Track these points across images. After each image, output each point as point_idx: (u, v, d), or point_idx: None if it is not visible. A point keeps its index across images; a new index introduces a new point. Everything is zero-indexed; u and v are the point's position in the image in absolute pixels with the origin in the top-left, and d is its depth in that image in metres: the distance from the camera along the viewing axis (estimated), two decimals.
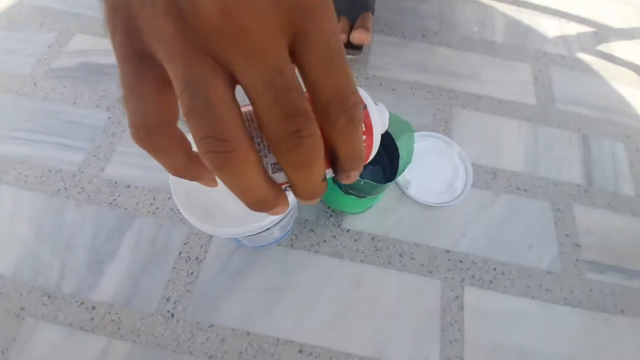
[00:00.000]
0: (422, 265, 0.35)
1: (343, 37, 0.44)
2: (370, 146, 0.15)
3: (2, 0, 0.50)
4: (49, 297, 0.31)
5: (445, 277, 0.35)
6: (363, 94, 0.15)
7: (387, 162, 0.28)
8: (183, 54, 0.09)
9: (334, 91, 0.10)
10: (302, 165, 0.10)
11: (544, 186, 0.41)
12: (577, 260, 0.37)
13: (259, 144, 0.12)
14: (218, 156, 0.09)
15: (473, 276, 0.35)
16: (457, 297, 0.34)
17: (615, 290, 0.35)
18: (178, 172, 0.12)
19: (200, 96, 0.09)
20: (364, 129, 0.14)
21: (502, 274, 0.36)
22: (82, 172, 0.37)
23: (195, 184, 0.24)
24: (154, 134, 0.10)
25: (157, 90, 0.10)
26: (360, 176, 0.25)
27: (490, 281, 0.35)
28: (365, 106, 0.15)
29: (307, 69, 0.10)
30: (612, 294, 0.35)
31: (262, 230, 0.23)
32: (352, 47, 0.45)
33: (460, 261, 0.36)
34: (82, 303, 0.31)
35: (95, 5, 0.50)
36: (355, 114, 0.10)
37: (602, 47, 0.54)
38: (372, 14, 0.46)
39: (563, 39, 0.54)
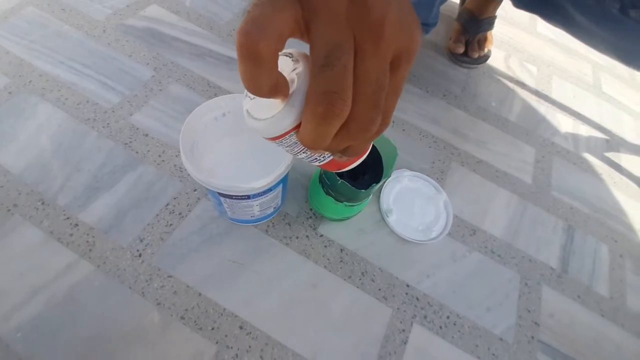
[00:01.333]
0: (379, 289, 0.36)
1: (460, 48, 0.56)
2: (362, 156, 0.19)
3: None
4: (42, 203, 0.34)
5: (398, 308, 0.36)
6: None
7: (373, 180, 0.30)
8: (339, 24, 0.11)
9: (365, 119, 0.13)
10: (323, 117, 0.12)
11: (519, 258, 0.42)
12: (532, 337, 0.37)
13: None
14: (331, 110, 0.12)
15: (425, 317, 0.36)
16: (403, 330, 0.35)
17: None
18: (253, 84, 0.12)
19: (342, 62, 0.12)
20: None
21: (454, 324, 0.36)
22: (113, 112, 0.42)
23: (203, 142, 0.27)
24: (263, 42, 0.11)
25: (280, 23, 0.11)
26: (340, 176, 0.27)
27: (441, 327, 0.36)
28: None
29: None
30: None
31: (240, 195, 0.26)
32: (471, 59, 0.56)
33: (417, 299, 0.37)
34: (68, 218, 0.34)
35: None
36: (370, 138, 0.14)
37: (610, 155, 0.57)
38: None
39: (573, 137, 0.57)
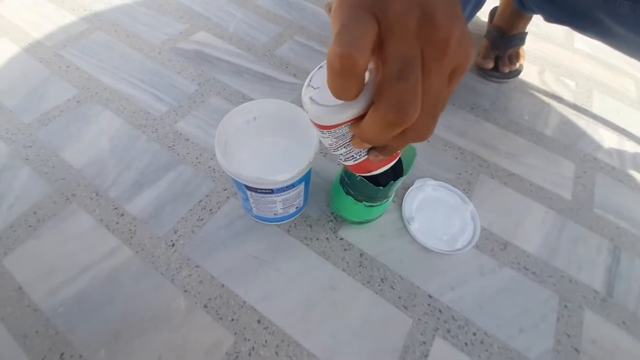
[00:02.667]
0: (399, 297, 0.35)
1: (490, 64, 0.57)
2: (394, 158, 0.20)
3: None
4: (96, 194, 0.39)
5: (419, 319, 0.34)
6: None
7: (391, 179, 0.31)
8: (411, 40, 0.13)
9: (423, 128, 0.15)
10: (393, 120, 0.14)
11: (557, 278, 0.39)
12: None
13: None
14: (402, 119, 0.13)
15: (448, 331, 0.34)
16: (424, 342, 0.33)
17: None
18: (344, 93, 0.14)
19: (415, 76, 0.13)
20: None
21: (482, 342, 0.34)
22: (161, 119, 0.47)
23: (236, 142, 0.30)
24: (360, 60, 0.12)
25: (370, 40, 0.13)
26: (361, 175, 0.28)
27: (466, 344, 0.33)
28: None
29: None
30: None
31: (264, 188, 0.28)
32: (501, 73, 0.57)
33: (440, 311, 0.35)
34: (116, 208, 0.38)
35: (223, 16, 0.66)
36: (421, 139, 0.16)
37: None
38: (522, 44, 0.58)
39: (618, 153, 0.53)
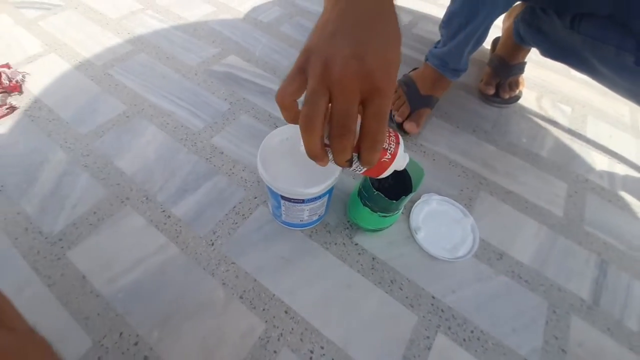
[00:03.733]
0: (406, 297, 0.40)
1: (399, 119, 0.57)
2: (389, 165, 0.26)
3: (194, 15, 0.77)
4: (147, 198, 0.45)
5: (423, 317, 0.39)
6: (402, 146, 0.26)
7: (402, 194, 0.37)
8: (317, 80, 0.21)
9: (371, 135, 0.22)
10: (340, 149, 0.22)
11: (547, 286, 0.43)
12: None
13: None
14: (342, 133, 0.21)
15: (449, 327, 0.39)
16: (428, 337, 0.38)
17: None
18: (289, 120, 0.25)
19: (314, 100, 0.21)
20: (389, 156, 0.25)
21: (478, 339, 0.39)
22: (199, 134, 0.54)
23: (272, 158, 0.36)
24: (286, 100, 0.23)
25: (299, 87, 0.23)
26: (377, 189, 0.34)
27: (464, 339, 0.38)
28: (399, 144, 0.26)
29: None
30: None
31: (297, 198, 0.34)
32: (403, 130, 0.56)
33: (442, 310, 0.40)
34: (164, 210, 0.44)
35: (250, 41, 0.73)
36: (369, 148, 0.23)
37: None
38: (431, 109, 0.59)
39: (609, 175, 0.58)
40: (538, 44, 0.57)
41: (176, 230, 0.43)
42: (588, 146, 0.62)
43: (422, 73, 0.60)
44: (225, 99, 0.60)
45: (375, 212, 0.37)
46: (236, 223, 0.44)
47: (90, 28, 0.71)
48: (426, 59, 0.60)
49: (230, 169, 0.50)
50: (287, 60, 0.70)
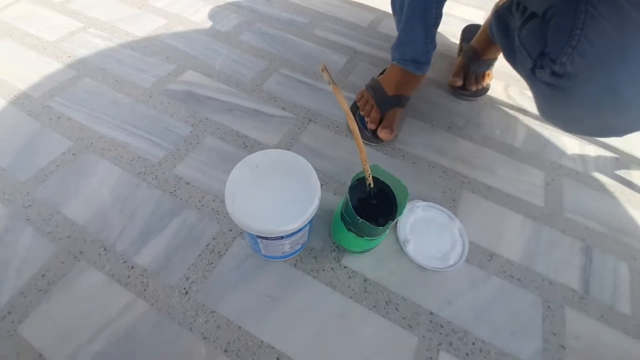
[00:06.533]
0: (404, 318, 0.38)
1: (372, 126, 0.54)
2: None
3: (143, 30, 0.70)
4: (104, 249, 0.40)
5: (423, 336, 0.37)
6: None
7: (387, 215, 0.34)
8: None
9: None
10: None
11: (539, 282, 0.43)
12: None
13: None
14: None
15: (450, 344, 0.37)
16: (430, 358, 0.36)
17: None
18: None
19: None
20: None
21: (480, 351, 0.37)
22: (160, 165, 0.48)
23: (242, 192, 0.32)
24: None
25: None
26: (361, 216, 0.31)
27: (467, 354, 0.37)
28: None
29: None
30: None
31: (275, 236, 0.31)
32: (377, 138, 0.54)
33: (441, 326, 0.38)
34: (125, 261, 0.39)
35: (209, 54, 0.68)
36: None
37: (621, 172, 0.58)
38: (402, 108, 0.57)
39: (581, 158, 0.59)
40: (499, 41, 0.56)
41: (142, 282, 0.38)
42: (557, 131, 0.63)
43: (388, 73, 0.59)
44: (187, 121, 0.55)
45: (362, 236, 0.35)
46: (211, 263, 0.40)
47: (25, 55, 0.63)
48: (392, 59, 0.59)
49: (199, 201, 0.45)
50: (252, 71, 0.65)
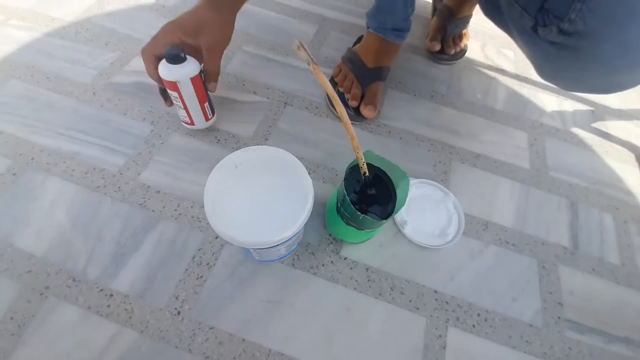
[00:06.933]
0: (410, 301, 0.38)
1: (354, 104, 0.50)
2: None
3: (70, 13, 0.59)
4: (73, 280, 0.35)
5: (431, 316, 0.37)
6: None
7: (386, 203, 0.32)
8: None
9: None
10: None
11: (532, 244, 0.44)
12: (559, 318, 0.39)
13: None
14: None
15: (457, 318, 0.37)
16: (440, 335, 0.36)
17: (593, 352, 0.37)
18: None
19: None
20: None
21: (485, 320, 0.38)
22: (121, 174, 0.42)
23: (224, 201, 0.28)
24: None
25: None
26: (361, 212, 0.29)
27: (474, 325, 0.37)
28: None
29: None
30: (591, 355, 0.37)
31: (269, 246, 0.27)
32: (360, 115, 0.50)
33: (447, 302, 0.38)
34: (101, 290, 0.35)
35: (154, 32, 0.59)
36: None
37: (597, 125, 0.59)
38: (383, 82, 0.53)
39: (559, 114, 0.60)
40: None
41: (126, 310, 0.34)
42: (536, 88, 0.63)
43: (365, 43, 0.54)
44: (144, 119, 0.48)
45: (362, 230, 0.32)
46: (201, 277, 0.36)
47: None
48: (367, 27, 0.54)
49: (175, 210, 0.40)
50: None
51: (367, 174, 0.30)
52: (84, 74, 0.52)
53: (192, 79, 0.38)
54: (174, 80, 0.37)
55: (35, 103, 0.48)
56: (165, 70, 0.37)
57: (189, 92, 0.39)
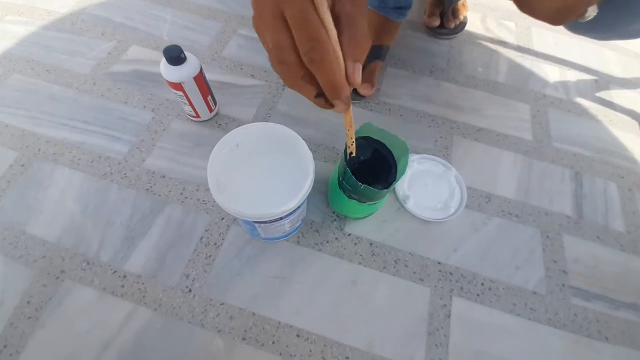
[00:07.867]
0: (414, 272, 0.39)
1: None
2: None
3: (65, 5, 0.59)
4: (87, 263, 0.36)
5: (435, 286, 0.38)
6: None
7: (386, 175, 0.32)
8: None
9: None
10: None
11: (535, 214, 0.44)
12: (563, 285, 0.39)
13: None
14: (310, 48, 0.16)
15: (461, 288, 0.38)
16: (445, 305, 0.37)
17: (600, 318, 0.38)
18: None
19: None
20: None
21: (489, 289, 0.38)
22: (126, 161, 0.43)
23: (228, 176, 0.29)
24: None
25: None
26: (361, 181, 0.29)
27: (478, 295, 0.38)
28: None
29: None
30: (597, 321, 0.37)
31: (273, 218, 0.28)
32: (357, 94, 0.50)
33: (450, 273, 0.39)
34: (115, 271, 0.36)
35: (151, 22, 0.59)
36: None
37: (601, 94, 0.58)
38: (383, 61, 0.52)
39: (563, 84, 0.58)
40: None
41: (139, 289, 0.35)
42: (538, 60, 0.61)
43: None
44: (145, 106, 0.48)
45: (364, 202, 0.33)
46: (210, 256, 0.37)
47: None
48: (368, 4, 0.53)
49: (181, 194, 0.41)
50: (207, 36, 0.57)
51: (354, 153, 0.30)
52: (82, 65, 0.52)
53: (195, 78, 0.39)
54: (178, 82, 0.38)
55: (37, 96, 0.48)
56: (168, 71, 0.37)
57: (193, 90, 0.40)
